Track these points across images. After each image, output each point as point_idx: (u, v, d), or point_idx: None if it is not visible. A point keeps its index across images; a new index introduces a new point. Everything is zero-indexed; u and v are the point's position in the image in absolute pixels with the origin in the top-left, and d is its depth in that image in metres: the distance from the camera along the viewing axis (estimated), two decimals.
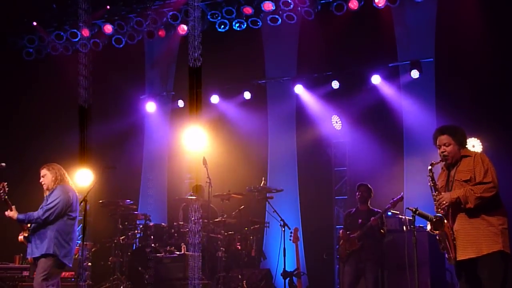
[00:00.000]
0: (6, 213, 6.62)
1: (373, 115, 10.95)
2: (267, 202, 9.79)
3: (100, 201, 10.42)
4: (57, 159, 11.25)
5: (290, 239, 9.43)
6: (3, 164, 6.75)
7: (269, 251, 10.58)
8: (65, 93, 11.92)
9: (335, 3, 10.38)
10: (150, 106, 12.63)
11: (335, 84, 11.16)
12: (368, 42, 10.89)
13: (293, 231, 9.51)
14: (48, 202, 6.65)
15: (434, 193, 5.66)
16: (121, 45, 11.85)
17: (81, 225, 11.71)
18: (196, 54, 9.57)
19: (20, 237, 6.74)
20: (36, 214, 6.60)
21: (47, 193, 6.85)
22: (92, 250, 10.32)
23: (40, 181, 6.88)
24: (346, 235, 8.84)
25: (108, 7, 11.59)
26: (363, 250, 8.66)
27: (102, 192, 10.43)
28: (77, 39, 11.91)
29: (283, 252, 9.05)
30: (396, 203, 8.75)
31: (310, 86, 11.48)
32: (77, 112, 11.34)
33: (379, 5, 10.26)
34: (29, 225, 6.68)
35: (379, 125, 10.91)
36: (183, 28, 11.40)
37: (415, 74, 10.60)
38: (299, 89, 11.47)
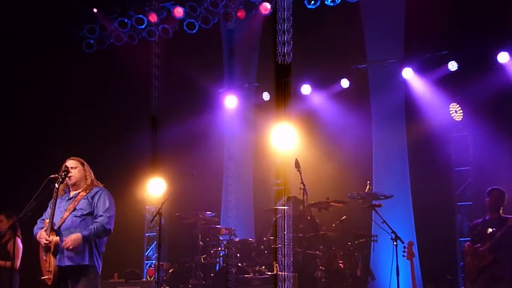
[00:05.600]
0: (51, 238, 6.43)
1: (501, 102, 10.63)
2: (373, 211, 9.68)
3: (177, 214, 10.61)
4: (127, 166, 11.85)
5: (403, 255, 9.22)
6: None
7: (378, 270, 10.48)
8: (132, 89, 12.20)
9: None
10: (230, 101, 12.77)
11: (453, 66, 11.00)
12: (493, 12, 10.58)
13: (406, 246, 9.29)
14: (106, 208, 6.58)
15: None
16: (194, 31, 12.06)
17: (156, 242, 12.07)
18: (284, 38, 9.53)
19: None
20: (99, 226, 6.50)
21: (71, 190, 6.72)
22: (170, 271, 10.48)
23: (69, 175, 6.65)
24: (474, 249, 8.70)
25: None
26: (496, 265, 8.49)
27: (178, 203, 10.62)
28: (143, 26, 12.23)
29: (396, 271, 8.88)
30: None
31: (422, 69, 11.34)
32: (146, 111, 11.55)
33: None
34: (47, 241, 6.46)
35: (509, 114, 10.59)
36: (265, 7, 11.46)
37: None
38: (408, 73, 11.36)
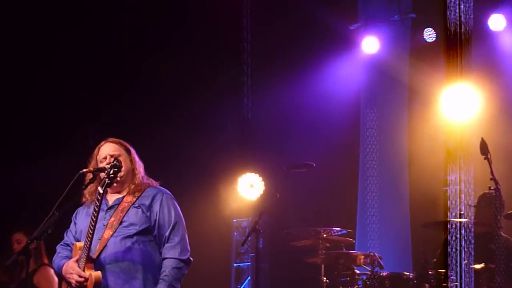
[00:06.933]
0: (88, 273, 6.27)
1: None
2: None
3: (284, 231, 10.54)
4: (202, 156, 11.92)
5: None
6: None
7: None
8: (209, 32, 12.28)
9: None
10: (370, 44, 12.82)
11: None
12: None
13: None
14: (172, 225, 6.50)
15: None
16: None
17: (250, 277, 12.18)
18: None
19: None
20: (173, 263, 6.43)
21: (109, 193, 6.59)
22: None
23: (105, 165, 6.42)
24: None
25: None
26: None
27: (286, 214, 10.69)
28: None
29: None
30: None
31: None
32: (232, 66, 11.68)
33: None
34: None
35: None
36: None
37: None
38: None
